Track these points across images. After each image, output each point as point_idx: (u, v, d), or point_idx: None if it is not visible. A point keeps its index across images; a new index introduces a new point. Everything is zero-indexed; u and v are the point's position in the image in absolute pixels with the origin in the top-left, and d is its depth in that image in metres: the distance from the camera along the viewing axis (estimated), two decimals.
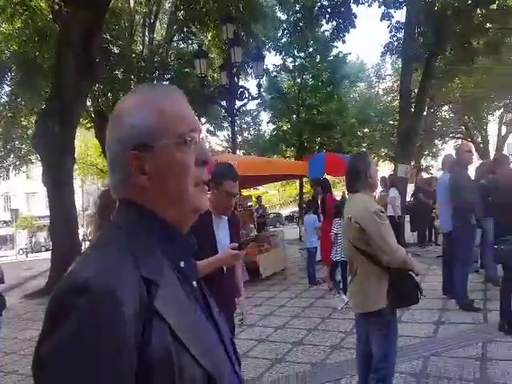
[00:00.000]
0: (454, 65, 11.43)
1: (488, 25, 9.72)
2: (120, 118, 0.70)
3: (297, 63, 15.99)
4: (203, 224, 2.08)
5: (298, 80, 16.35)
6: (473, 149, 6.01)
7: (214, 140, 17.76)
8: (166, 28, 15.51)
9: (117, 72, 13.37)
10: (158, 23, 15.75)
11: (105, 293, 0.54)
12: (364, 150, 16.95)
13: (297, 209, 21.35)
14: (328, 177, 8.92)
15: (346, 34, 11.89)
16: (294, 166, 9.79)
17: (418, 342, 3.92)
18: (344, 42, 12.22)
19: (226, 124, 16.41)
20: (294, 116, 16.16)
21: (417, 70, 11.78)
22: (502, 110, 18.10)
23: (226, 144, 18.09)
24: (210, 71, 14.16)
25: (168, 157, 0.68)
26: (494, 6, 9.42)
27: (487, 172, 5.15)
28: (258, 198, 13.04)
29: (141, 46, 14.98)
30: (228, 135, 16.46)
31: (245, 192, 11.70)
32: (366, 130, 19.36)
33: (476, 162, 7.68)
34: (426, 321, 4.49)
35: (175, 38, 15.24)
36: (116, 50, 13.33)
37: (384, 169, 22.57)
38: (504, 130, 19.63)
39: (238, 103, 9.41)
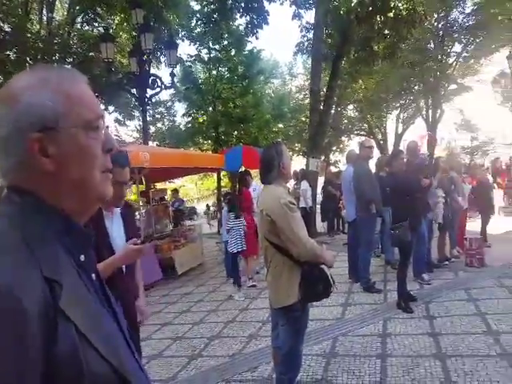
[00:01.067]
0: (358, 66, 12.34)
1: (386, 31, 10.70)
2: (15, 97, 0.64)
3: (212, 55, 15.87)
4: (93, 220, 1.91)
5: (214, 72, 16.25)
6: (373, 144, 6.59)
7: (124, 130, 16.72)
8: (68, 8, 14.13)
9: (9, 53, 11.81)
10: (57, 2, 14.27)
11: (4, 293, 0.52)
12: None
13: (213, 202, 21.35)
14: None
15: (259, 29, 12.15)
16: (211, 159, 9.72)
17: (328, 325, 4.21)
18: (257, 37, 12.47)
19: (137, 113, 15.57)
20: (211, 108, 16.05)
21: (325, 69, 12.53)
22: (398, 109, 20.24)
23: (136, 134, 17.15)
24: (119, 56, 13.32)
25: (75, 142, 0.66)
26: (391, 14, 10.39)
27: (384, 165, 5.71)
28: (174, 190, 12.70)
29: (38, 26, 13.43)
30: (140, 125, 15.63)
31: (159, 185, 11.29)
32: (280, 125, 20.06)
33: (377, 156, 8.44)
34: (335, 304, 4.83)
35: (79, 20, 13.97)
36: (7, 28, 11.75)
37: (298, 163, 23.66)
38: (400, 127, 21.99)
39: (150, 92, 9.03)
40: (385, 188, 5.14)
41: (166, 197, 9.98)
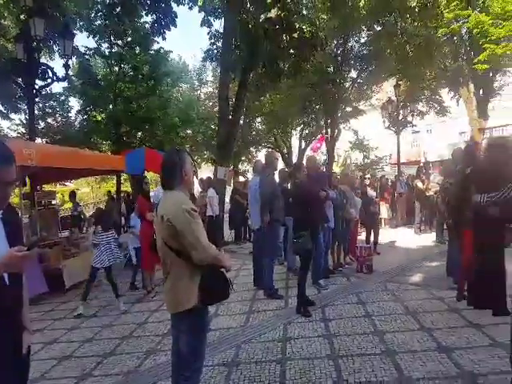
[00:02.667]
0: (264, 81, 12.85)
1: (291, 50, 11.39)
2: None
3: (114, 50, 15.02)
4: None
5: (116, 69, 15.37)
6: (278, 157, 6.93)
7: (6, 124, 14.75)
8: None
9: None
10: None
11: None
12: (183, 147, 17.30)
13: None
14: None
15: (166, 31, 11.95)
16: (109, 160, 9.06)
17: (232, 333, 4.24)
18: (164, 38, 12.26)
19: (24, 106, 13.87)
20: (111, 106, 15.09)
21: (234, 79, 12.86)
22: (301, 126, 21.68)
23: (22, 130, 15.23)
24: (2, 40, 11.79)
25: None
26: (296, 35, 11.10)
27: (288, 177, 6.08)
28: (72, 193, 11.59)
29: None
30: (26, 119, 13.91)
31: (48, 187, 10.18)
32: (189, 131, 19.84)
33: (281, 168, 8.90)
34: (239, 312, 4.91)
35: None
36: None
37: (206, 170, 23.65)
38: (304, 143, 23.58)
39: (40, 83, 8.15)
40: (287, 198, 5.45)
41: (54, 201, 9.03)
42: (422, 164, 14.24)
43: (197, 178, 10.06)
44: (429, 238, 9.40)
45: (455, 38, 17.21)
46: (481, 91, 17.60)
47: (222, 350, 3.82)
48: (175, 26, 11.83)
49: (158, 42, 15.22)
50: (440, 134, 30.58)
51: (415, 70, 15.24)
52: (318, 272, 5.86)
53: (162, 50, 15.82)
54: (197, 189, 10.39)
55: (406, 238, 9.88)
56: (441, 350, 3.49)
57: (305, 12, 12.35)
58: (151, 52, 15.62)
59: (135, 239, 6.48)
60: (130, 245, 6.84)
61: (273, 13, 10.35)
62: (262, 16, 10.50)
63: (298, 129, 21.65)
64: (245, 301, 5.33)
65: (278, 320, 4.54)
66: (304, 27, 11.27)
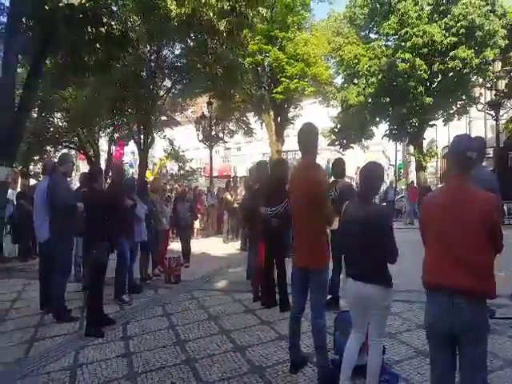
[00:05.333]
0: (67, 73, 11.50)
1: (98, 45, 10.54)
2: None
3: None
4: None
5: None
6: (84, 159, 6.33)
7: None
8: None
9: None
10: None
11: None
12: None
13: None
14: None
15: None
16: None
17: (2, 370, 3.52)
18: None
19: None
20: None
21: (25, 65, 11.12)
22: (111, 128, 20.25)
23: None
24: None
25: None
26: (103, 30, 10.31)
27: (83, 182, 5.68)
28: None
29: None
30: None
31: None
32: None
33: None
34: (18, 342, 4.14)
35: None
36: None
37: None
38: (114, 147, 22.26)
39: None
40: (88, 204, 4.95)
41: None
42: (231, 178, 15.54)
43: None
44: (235, 246, 10.27)
45: (259, 68, 19.73)
46: (279, 119, 20.67)
47: None
48: None
49: None
50: (247, 152, 34.52)
51: (225, 90, 16.60)
52: (121, 286, 5.55)
53: None
54: None
55: (215, 247, 10.50)
56: (236, 349, 3.77)
57: (114, 8, 11.74)
58: None
59: None
60: None
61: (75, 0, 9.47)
62: (65, 0, 9.45)
63: (108, 131, 20.27)
64: (27, 327, 4.54)
65: (69, 346, 4.02)
66: (113, 23, 10.70)
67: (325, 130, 21.41)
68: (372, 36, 20.43)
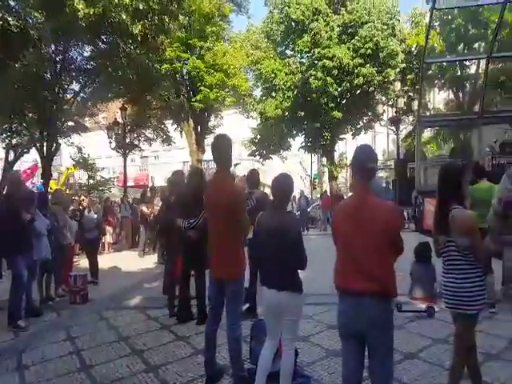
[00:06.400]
0: None
1: None
2: None
3: None
4: None
5: None
6: None
7: None
8: None
9: None
10: None
11: None
12: None
13: None
14: None
15: None
16: None
17: None
18: None
19: None
20: None
21: None
22: (9, 133, 18.27)
23: None
24: None
25: None
26: None
27: None
28: None
29: None
30: None
31: None
32: None
33: None
34: None
35: None
36: None
37: None
38: (12, 154, 20.16)
39: None
40: None
41: None
42: (148, 188, 14.94)
43: None
44: (152, 259, 9.83)
45: (177, 75, 19.48)
46: (199, 128, 20.56)
47: None
48: None
49: None
50: (166, 160, 33.57)
51: (139, 96, 16.05)
52: (16, 311, 4.96)
53: None
54: None
55: (129, 262, 9.95)
56: (149, 369, 3.59)
57: (12, 3, 10.72)
58: None
59: None
60: None
61: None
62: None
63: (4, 136, 18.26)
64: None
65: None
66: (10, 19, 9.74)
67: (245, 140, 21.84)
68: (288, 52, 21.49)
